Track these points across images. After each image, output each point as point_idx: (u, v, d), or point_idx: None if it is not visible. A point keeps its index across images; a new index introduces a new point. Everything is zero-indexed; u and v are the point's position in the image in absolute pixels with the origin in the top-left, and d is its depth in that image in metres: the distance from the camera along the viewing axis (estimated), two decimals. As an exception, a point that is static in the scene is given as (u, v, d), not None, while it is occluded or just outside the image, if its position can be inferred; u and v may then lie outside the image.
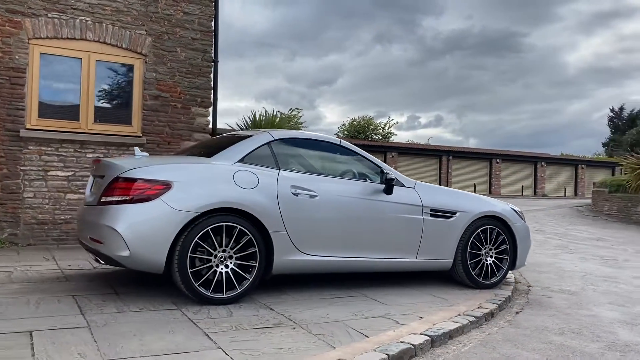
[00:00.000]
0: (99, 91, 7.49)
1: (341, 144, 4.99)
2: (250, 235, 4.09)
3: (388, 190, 4.77)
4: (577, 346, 3.67)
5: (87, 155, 7.24)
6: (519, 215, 5.52)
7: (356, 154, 4.97)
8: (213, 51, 8.25)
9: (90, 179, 4.78)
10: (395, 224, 4.81)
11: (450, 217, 5.03)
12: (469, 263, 5.09)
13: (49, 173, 7.01)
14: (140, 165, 4.04)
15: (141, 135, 7.61)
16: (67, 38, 7.17)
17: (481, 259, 5.17)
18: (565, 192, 37.69)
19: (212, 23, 8.22)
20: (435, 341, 3.47)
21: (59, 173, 7.07)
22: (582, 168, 39.07)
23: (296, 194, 4.34)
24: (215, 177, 4.16)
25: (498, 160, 35.47)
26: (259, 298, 4.27)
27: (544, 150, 52.12)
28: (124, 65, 7.58)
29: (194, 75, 7.99)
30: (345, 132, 40.68)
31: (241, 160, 4.35)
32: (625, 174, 16.76)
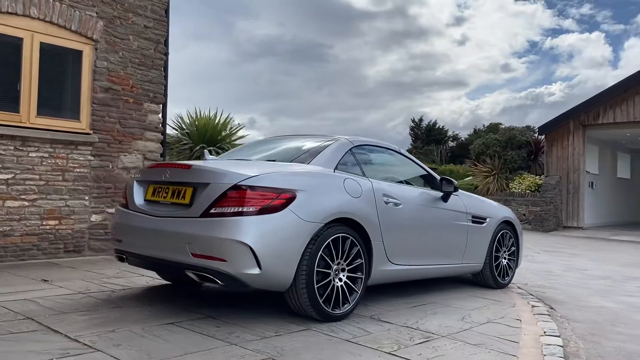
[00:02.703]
0: (43, 79, 6.31)
1: (400, 151, 4.99)
2: (359, 246, 3.91)
3: (445, 198, 4.91)
4: None
5: (30, 155, 6.08)
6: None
7: (412, 160, 5.01)
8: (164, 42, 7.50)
9: (136, 185, 4.09)
10: (452, 230, 4.97)
11: (483, 222, 5.34)
12: (493, 265, 5.46)
13: (-11, 175, 5.73)
14: (259, 172, 3.59)
15: (91, 132, 6.61)
16: (8, 12, 5.93)
17: (500, 261, 5.58)
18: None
19: (164, 12, 7.47)
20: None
21: None
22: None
23: (387, 203, 4.25)
24: (331, 186, 3.88)
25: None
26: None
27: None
28: (72, 50, 6.50)
29: (147, 67, 7.18)
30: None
31: (337, 168, 4.12)
32: (476, 179, 18.86)
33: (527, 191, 16.58)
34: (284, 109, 37.06)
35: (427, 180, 5.01)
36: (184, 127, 8.80)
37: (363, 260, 3.93)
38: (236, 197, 3.44)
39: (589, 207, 17.31)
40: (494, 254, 5.45)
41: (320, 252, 3.61)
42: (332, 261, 3.72)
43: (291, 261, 3.49)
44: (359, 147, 4.47)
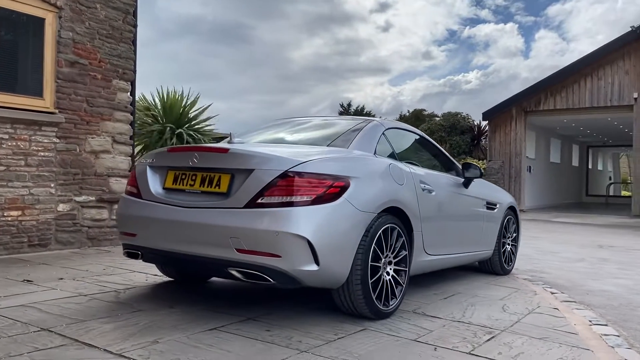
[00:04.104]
0: (0, 50, 5.52)
1: (423, 135, 4.74)
2: (404, 237, 3.63)
3: (467, 184, 4.73)
4: None
5: (-12, 136, 5.31)
6: None
7: (434, 145, 4.77)
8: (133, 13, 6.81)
9: (149, 172, 3.59)
10: (473, 217, 4.80)
11: (494, 208, 5.22)
12: (501, 251, 5.38)
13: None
14: (309, 158, 3.21)
15: (56, 111, 5.88)
16: (-41, -31, 5.12)
17: (505, 247, 5.50)
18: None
19: (133, -21, 6.78)
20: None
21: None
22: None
23: (423, 190, 3.99)
24: (380, 172, 3.56)
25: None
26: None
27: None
28: (32, 18, 5.73)
29: (115, 40, 6.50)
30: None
31: (375, 152, 3.81)
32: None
33: (473, 175, 16.96)
34: (206, 90, 35.85)
35: (448, 166, 4.81)
36: (150, 107, 8.08)
37: (407, 252, 3.66)
38: (287, 185, 3.05)
39: (528, 191, 18.01)
40: (501, 240, 5.36)
41: (373, 244, 3.30)
42: (382, 254, 3.43)
43: (348, 256, 3.17)
44: (389, 130, 4.17)
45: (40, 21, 5.78)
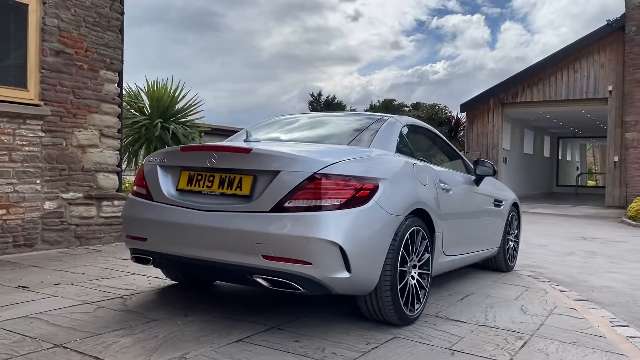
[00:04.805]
0: (-18, 37, 5.17)
1: (435, 132, 4.62)
2: (427, 240, 3.52)
3: (478, 181, 4.64)
4: None
5: (-30, 130, 4.98)
6: None
7: (446, 142, 4.66)
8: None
9: (160, 172, 3.37)
10: (484, 215, 4.73)
11: (500, 205, 5.16)
12: (505, 248, 5.33)
13: None
14: (337, 159, 3.04)
15: (41, 103, 5.56)
16: (-63, -50, 4.74)
17: (509, 244, 5.46)
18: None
19: (119, -37, 6.45)
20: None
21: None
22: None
23: (443, 189, 3.88)
24: (405, 172, 3.42)
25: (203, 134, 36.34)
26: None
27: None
28: (15, 3, 5.38)
29: (102, 28, 6.18)
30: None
31: (397, 151, 3.67)
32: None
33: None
34: (175, 78, 34.92)
35: (459, 163, 4.71)
36: (135, 100, 7.72)
37: (430, 255, 3.55)
38: (317, 188, 2.88)
39: (504, 182, 18.21)
40: (505, 237, 5.32)
41: (401, 248, 3.17)
42: (408, 257, 3.30)
43: (378, 261, 3.03)
44: (405, 127, 4.04)
45: (24, 7, 5.43)
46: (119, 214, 6.28)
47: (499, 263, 5.33)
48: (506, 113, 18.01)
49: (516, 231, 5.67)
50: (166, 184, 3.33)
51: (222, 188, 3.13)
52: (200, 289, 4.06)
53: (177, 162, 3.35)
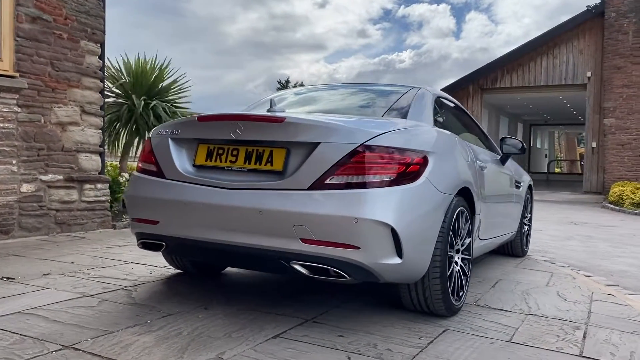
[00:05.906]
0: (-51, -3, 4.58)
1: (462, 107, 4.29)
2: (469, 222, 3.19)
3: (504, 160, 4.35)
4: None
5: (-63, 103, 4.41)
6: None
7: (472, 118, 4.34)
8: (101, -36, 5.92)
9: (172, 145, 2.95)
10: (510, 196, 4.44)
11: (520, 187, 4.89)
12: (522, 232, 5.08)
13: None
14: (383, 129, 2.67)
15: (17, 75, 5.00)
16: None
17: (524, 228, 5.21)
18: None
19: None
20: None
21: None
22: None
23: (479, 168, 3.56)
24: (449, 147, 3.07)
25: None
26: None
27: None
28: (-13, -39, 4.80)
29: (83, -6, 5.62)
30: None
31: (434, 124, 3.32)
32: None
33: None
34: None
35: (485, 140, 4.40)
36: (116, 76, 7.13)
37: (471, 238, 3.23)
38: (363, 162, 2.51)
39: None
40: (522, 220, 5.06)
41: (450, 231, 2.84)
42: (454, 241, 2.98)
43: (430, 245, 2.69)
44: (438, 100, 3.69)
45: (-4, -34, 4.85)
46: (103, 199, 5.79)
47: (515, 247, 5.07)
48: (485, 99, 17.92)
49: (529, 215, 5.43)
50: (180, 159, 2.91)
51: (249, 163, 2.73)
52: (209, 277, 3.66)
53: (193, 134, 2.93)
